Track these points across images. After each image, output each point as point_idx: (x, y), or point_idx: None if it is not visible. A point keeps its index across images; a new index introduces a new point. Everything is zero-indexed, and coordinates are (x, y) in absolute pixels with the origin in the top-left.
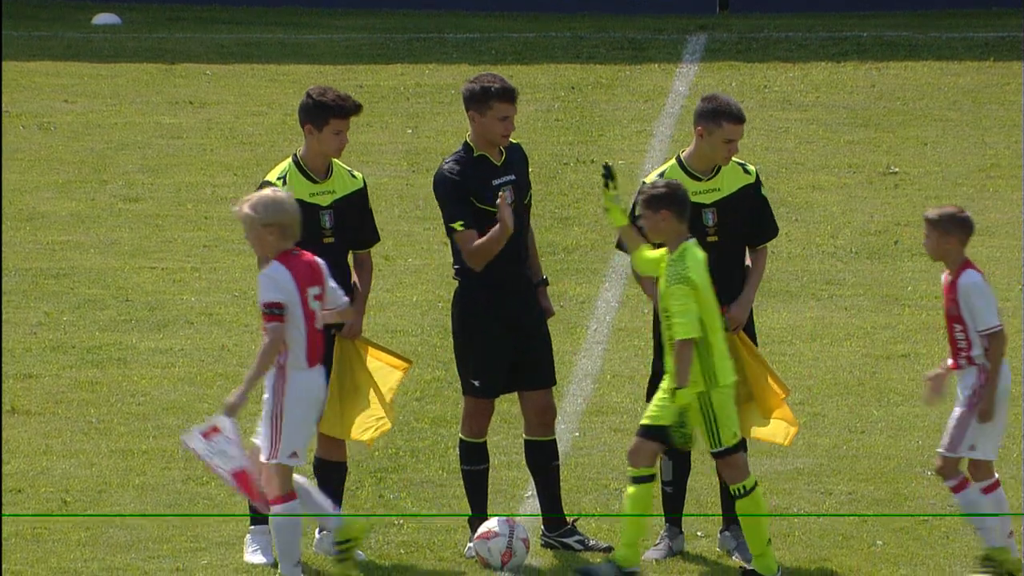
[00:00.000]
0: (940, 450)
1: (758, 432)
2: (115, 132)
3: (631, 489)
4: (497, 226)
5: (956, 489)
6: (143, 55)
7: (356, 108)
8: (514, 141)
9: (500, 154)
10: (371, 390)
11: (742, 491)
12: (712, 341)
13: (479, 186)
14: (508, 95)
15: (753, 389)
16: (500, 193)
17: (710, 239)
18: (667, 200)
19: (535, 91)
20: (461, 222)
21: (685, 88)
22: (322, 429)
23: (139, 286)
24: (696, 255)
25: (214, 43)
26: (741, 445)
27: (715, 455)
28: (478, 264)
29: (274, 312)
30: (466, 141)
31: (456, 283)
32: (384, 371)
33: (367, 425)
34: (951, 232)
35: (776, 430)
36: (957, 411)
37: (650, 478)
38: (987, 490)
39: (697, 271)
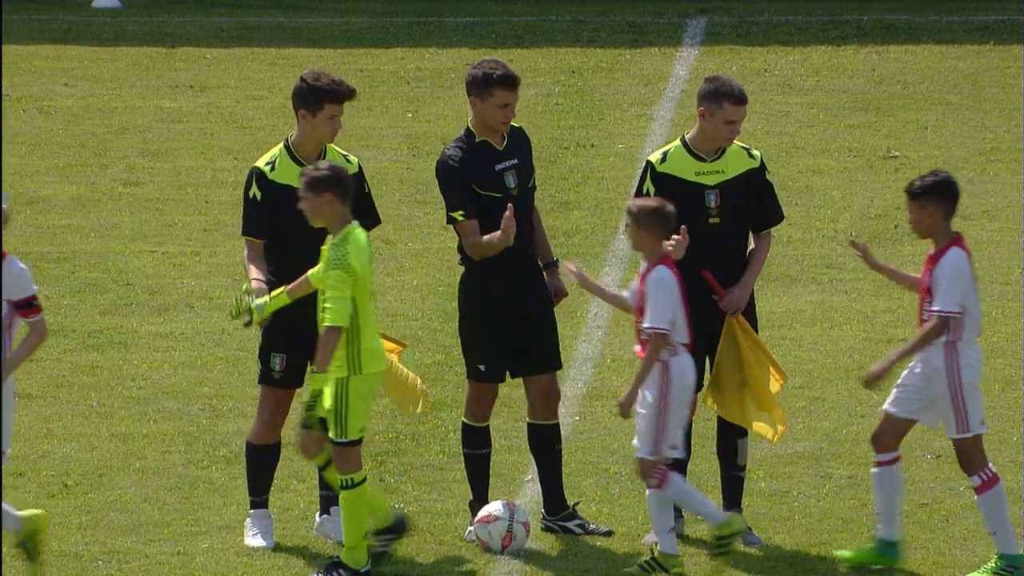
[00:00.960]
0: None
1: (756, 425)
2: (115, 116)
3: (343, 495)
4: (499, 233)
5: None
6: (143, 39)
7: (350, 92)
8: (515, 125)
9: (502, 139)
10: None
11: (350, 483)
12: (362, 327)
13: (481, 172)
14: (509, 82)
15: (747, 376)
16: (509, 206)
17: (712, 220)
18: (328, 183)
19: (535, 75)
20: (462, 212)
21: (685, 72)
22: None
23: (139, 270)
24: (359, 240)
25: (214, 27)
26: (360, 441)
27: (334, 443)
28: (476, 257)
29: None
30: (468, 126)
31: (462, 268)
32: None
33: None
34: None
35: (766, 426)
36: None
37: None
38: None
39: (358, 257)
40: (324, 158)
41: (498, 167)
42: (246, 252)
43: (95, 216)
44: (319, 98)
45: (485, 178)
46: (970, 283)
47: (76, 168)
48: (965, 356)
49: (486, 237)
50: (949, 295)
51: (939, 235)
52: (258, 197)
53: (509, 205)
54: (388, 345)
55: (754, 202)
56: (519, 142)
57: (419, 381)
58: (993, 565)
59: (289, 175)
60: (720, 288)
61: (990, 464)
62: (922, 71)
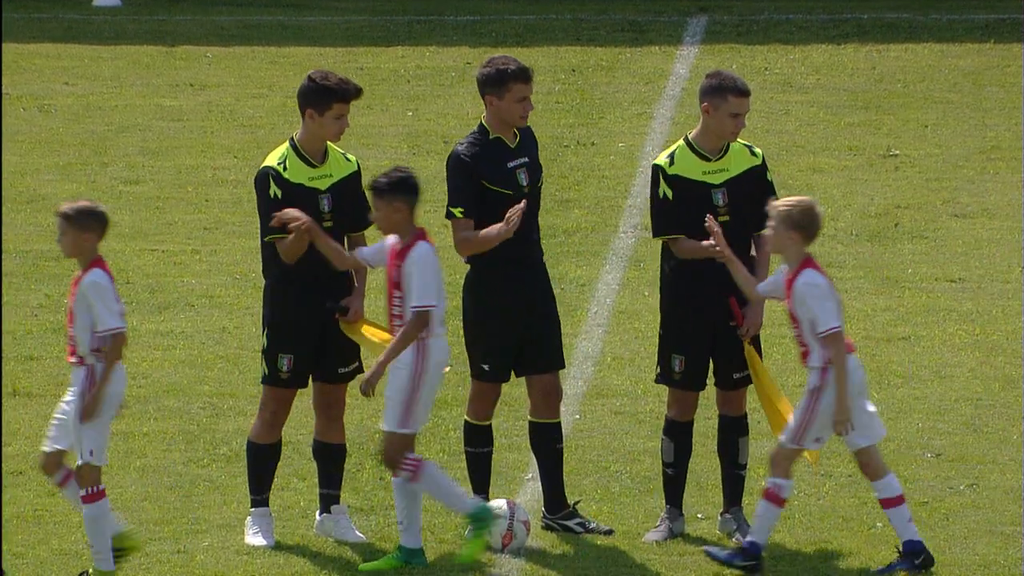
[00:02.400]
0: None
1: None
2: (115, 114)
3: None
4: (500, 225)
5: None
6: (143, 37)
7: (358, 92)
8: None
9: (515, 136)
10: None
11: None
12: None
13: (493, 168)
14: (525, 75)
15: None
16: (519, 207)
17: (721, 219)
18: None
19: (535, 73)
20: (462, 209)
21: (686, 70)
22: None
23: (140, 268)
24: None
25: (214, 25)
26: None
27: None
28: (463, 253)
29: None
30: (481, 123)
31: (467, 267)
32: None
33: None
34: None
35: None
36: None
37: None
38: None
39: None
40: (327, 157)
41: (510, 164)
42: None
43: None
44: (327, 97)
45: (496, 174)
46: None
47: (76, 166)
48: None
49: (483, 231)
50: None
51: (405, 231)
52: (279, 195)
53: (524, 201)
54: (384, 336)
55: (757, 200)
56: (530, 141)
57: None
58: None
59: (299, 174)
60: (740, 314)
61: None
62: (922, 70)
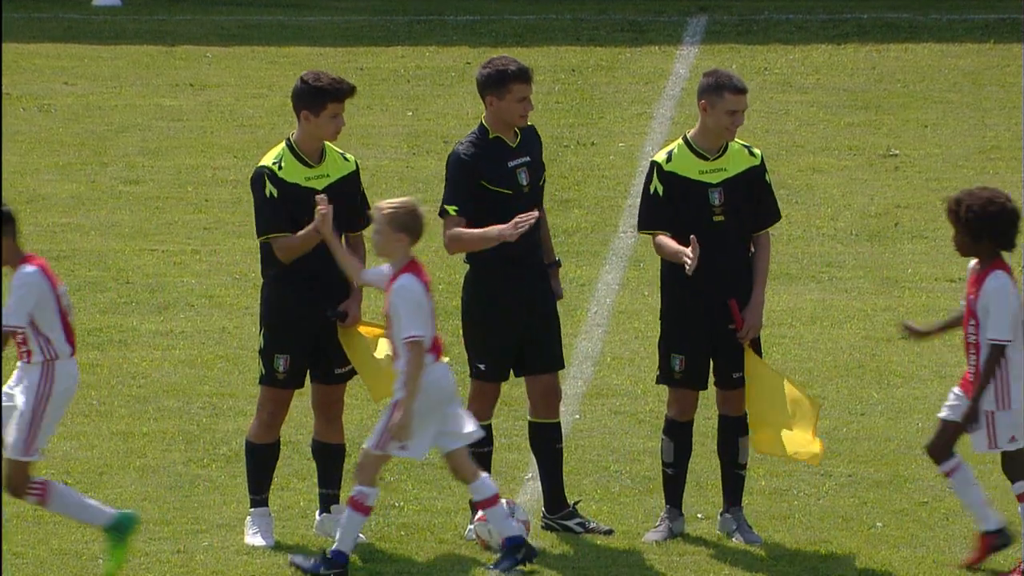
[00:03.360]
0: None
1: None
2: (115, 114)
3: None
4: (503, 227)
5: None
6: (143, 37)
7: (351, 90)
8: (529, 123)
9: (515, 135)
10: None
11: None
12: None
13: (492, 167)
14: (525, 75)
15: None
16: (531, 215)
17: (716, 219)
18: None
19: (535, 73)
20: (456, 207)
21: (686, 70)
22: (381, 396)
23: (139, 268)
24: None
25: (214, 25)
26: None
27: None
28: (452, 251)
29: None
30: (481, 123)
31: (467, 267)
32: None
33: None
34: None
35: (805, 449)
36: None
37: None
38: None
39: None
40: (324, 157)
41: (511, 164)
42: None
43: (95, 214)
44: (321, 98)
45: (496, 174)
46: None
47: (76, 166)
48: None
49: (481, 231)
50: None
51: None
52: (275, 194)
53: (527, 216)
54: (374, 331)
55: (755, 200)
56: (532, 140)
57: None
58: None
59: (295, 174)
60: (740, 318)
61: None
62: (922, 69)
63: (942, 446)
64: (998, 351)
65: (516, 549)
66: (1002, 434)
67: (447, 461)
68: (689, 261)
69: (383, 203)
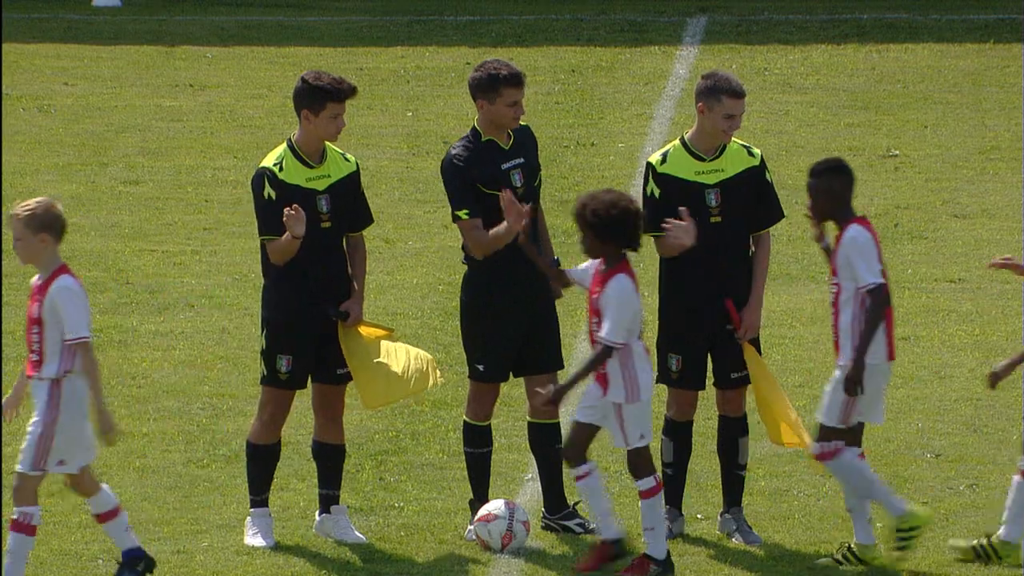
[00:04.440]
0: None
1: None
2: (115, 115)
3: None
4: (504, 224)
5: None
6: (143, 37)
7: (352, 91)
8: (523, 123)
9: (508, 137)
10: (391, 350)
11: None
12: None
13: (486, 170)
14: (516, 80)
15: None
16: (502, 192)
17: (713, 220)
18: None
19: (535, 74)
20: (466, 211)
21: (686, 71)
22: (373, 404)
23: (139, 269)
24: None
25: (214, 25)
26: None
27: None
28: (479, 254)
29: None
30: (474, 126)
31: (465, 267)
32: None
33: (417, 370)
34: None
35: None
36: None
37: None
38: None
39: None
40: (325, 157)
41: (504, 166)
42: (272, 253)
43: (95, 215)
44: (322, 98)
45: (490, 176)
46: None
47: (76, 167)
48: None
49: (492, 230)
50: None
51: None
52: (273, 197)
53: (503, 192)
54: (377, 332)
55: (754, 201)
56: (526, 141)
57: (423, 355)
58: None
59: (296, 175)
60: (737, 318)
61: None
62: (922, 70)
63: (578, 447)
64: (607, 352)
65: (135, 561)
66: (632, 431)
67: (68, 481)
68: (669, 227)
69: (16, 208)
